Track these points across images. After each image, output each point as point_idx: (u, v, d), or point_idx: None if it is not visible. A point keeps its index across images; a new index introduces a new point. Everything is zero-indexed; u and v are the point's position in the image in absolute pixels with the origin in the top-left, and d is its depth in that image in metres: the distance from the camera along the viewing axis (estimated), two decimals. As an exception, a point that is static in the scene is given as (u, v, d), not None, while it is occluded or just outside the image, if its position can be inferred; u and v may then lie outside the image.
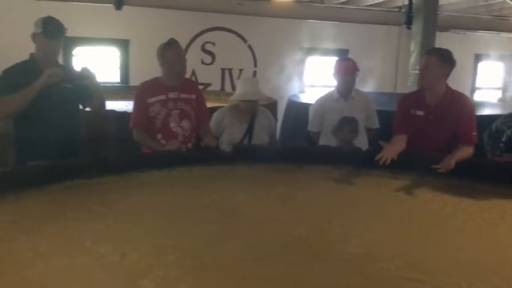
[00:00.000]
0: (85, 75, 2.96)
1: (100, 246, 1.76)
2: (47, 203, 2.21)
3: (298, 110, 5.50)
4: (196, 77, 7.97)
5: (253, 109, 3.62)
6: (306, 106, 4.47)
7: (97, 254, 1.69)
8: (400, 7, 8.73)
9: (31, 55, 3.02)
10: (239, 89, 3.71)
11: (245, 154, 3.03)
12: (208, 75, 8.42)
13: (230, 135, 3.59)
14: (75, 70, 3.04)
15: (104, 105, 3.24)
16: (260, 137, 3.61)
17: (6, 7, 7.07)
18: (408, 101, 3.21)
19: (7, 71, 2.95)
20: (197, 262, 1.66)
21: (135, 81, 7.77)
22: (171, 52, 3.16)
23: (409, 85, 7.51)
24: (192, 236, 1.89)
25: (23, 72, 2.88)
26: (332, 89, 3.94)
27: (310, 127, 3.93)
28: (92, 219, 2.04)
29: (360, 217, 2.20)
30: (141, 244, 1.78)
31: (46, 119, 2.87)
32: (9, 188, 2.23)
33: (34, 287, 1.45)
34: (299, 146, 3.43)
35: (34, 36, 2.91)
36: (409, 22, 7.90)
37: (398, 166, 2.77)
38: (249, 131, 3.60)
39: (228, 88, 8.58)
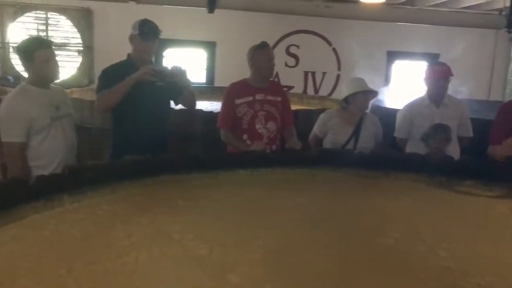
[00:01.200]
0: (177, 72, 3.09)
1: (188, 239, 1.82)
2: (139, 195, 2.32)
3: (383, 116, 5.35)
4: (279, 80, 8.03)
5: (363, 109, 3.57)
6: (391, 111, 4.34)
7: (186, 247, 1.74)
8: (500, 10, 8.17)
9: (128, 55, 3.21)
10: (348, 86, 3.64)
11: (330, 158, 2.99)
12: (291, 78, 8.46)
13: (335, 136, 3.57)
14: (167, 68, 3.20)
15: (194, 102, 3.37)
16: (366, 142, 3.54)
17: (105, 13, 7.59)
18: None
19: (106, 70, 3.16)
20: (284, 261, 1.66)
21: (220, 82, 8.01)
22: (261, 55, 3.21)
23: (508, 93, 7.02)
24: (278, 236, 1.90)
25: (121, 71, 3.08)
26: (422, 94, 3.79)
27: (397, 133, 3.81)
28: (180, 213, 2.11)
29: (450, 228, 2.09)
30: (227, 240, 1.82)
31: (141, 116, 3.04)
32: (105, 180, 2.37)
33: (129, 275, 1.52)
34: (386, 153, 3.32)
35: (132, 38, 3.09)
36: (510, 26, 7.38)
37: (492, 177, 2.60)
38: (356, 134, 3.54)
39: (310, 91, 8.55)
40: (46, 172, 2.59)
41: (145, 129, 3.04)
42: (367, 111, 3.78)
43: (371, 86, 3.68)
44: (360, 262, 1.71)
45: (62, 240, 1.77)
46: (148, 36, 3.04)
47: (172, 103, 3.39)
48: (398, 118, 3.83)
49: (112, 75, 3.08)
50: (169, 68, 3.12)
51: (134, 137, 3.03)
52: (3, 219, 1.85)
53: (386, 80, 8.78)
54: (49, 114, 2.94)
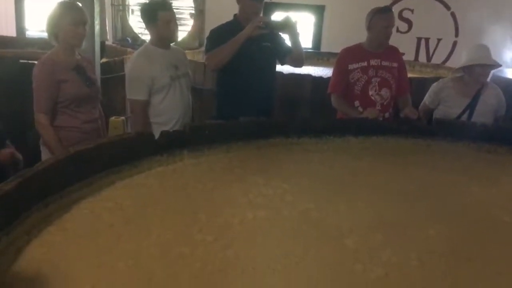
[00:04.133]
0: (287, 24, 3.06)
1: (302, 202, 1.84)
2: (253, 156, 2.38)
3: (505, 88, 4.92)
4: (388, 46, 7.65)
5: (482, 79, 3.25)
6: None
7: (300, 210, 1.76)
8: None
9: (235, 16, 3.24)
10: (469, 55, 3.29)
11: (447, 129, 2.82)
12: (402, 44, 7.96)
13: (448, 108, 3.32)
14: (276, 20, 3.16)
15: (303, 62, 3.33)
16: (483, 116, 3.19)
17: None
18: None
19: (214, 30, 3.24)
20: (400, 231, 1.63)
21: (326, 48, 7.84)
22: (381, 20, 3.07)
23: None
24: (392, 207, 1.85)
25: (228, 31, 3.13)
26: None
27: (525, 106, 3.47)
28: (293, 176, 2.13)
29: None
30: (341, 206, 1.81)
31: (246, 76, 3.08)
32: (221, 140, 2.45)
33: (249, 230, 1.58)
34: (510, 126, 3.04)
35: None
36: None
37: None
38: (471, 107, 3.26)
39: (422, 58, 8.07)
40: (165, 128, 2.74)
41: (252, 90, 3.08)
42: (488, 80, 3.44)
43: (495, 55, 3.35)
44: (477, 236, 1.62)
45: (186, 190, 1.89)
46: None
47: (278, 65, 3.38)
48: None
49: (220, 34, 3.14)
50: (280, 20, 3.10)
51: (240, 98, 3.08)
52: (133, 169, 2.00)
53: (509, 49, 7.98)
54: (169, 73, 3.09)
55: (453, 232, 1.65)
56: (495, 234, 1.66)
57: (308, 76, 4.45)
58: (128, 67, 3.01)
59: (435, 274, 1.35)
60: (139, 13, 3.34)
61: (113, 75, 4.52)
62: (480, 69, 3.18)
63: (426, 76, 5.62)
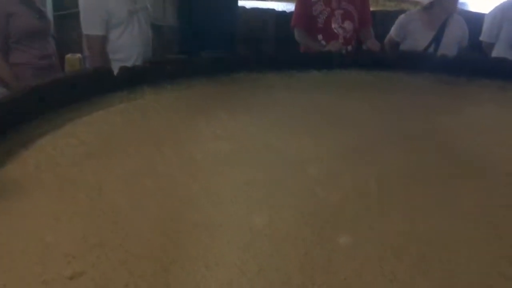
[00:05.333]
0: None
1: (265, 134, 1.86)
2: (216, 92, 2.36)
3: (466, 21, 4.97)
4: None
5: (450, 11, 3.25)
6: (474, 15, 4.00)
7: (266, 142, 1.78)
8: None
9: None
10: None
11: (409, 61, 2.85)
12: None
13: (414, 41, 3.32)
14: None
15: None
16: (449, 48, 3.23)
17: None
18: None
19: None
20: (360, 158, 1.67)
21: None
22: None
23: None
24: (354, 136, 1.89)
25: None
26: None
27: (484, 37, 3.53)
28: (258, 111, 2.14)
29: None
30: (304, 138, 1.84)
31: (207, 11, 2.99)
32: (183, 75, 2.40)
33: (212, 162, 1.59)
34: (470, 57, 3.10)
35: None
36: None
37: None
38: (437, 39, 3.27)
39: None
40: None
41: (213, 24, 3.00)
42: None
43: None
44: (437, 163, 1.69)
45: (149, 125, 1.87)
46: None
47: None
48: (487, 20, 3.52)
49: None
50: None
51: (202, 33, 3.01)
52: (93, 106, 1.96)
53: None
54: (127, 6, 2.95)
55: (412, 158, 1.71)
56: (453, 160, 1.72)
57: (272, 11, 4.36)
58: (81, 1, 2.86)
59: (393, 197, 1.41)
60: None
61: (68, 11, 4.30)
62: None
63: (389, 9, 5.59)
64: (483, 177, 1.58)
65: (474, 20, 3.78)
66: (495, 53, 3.41)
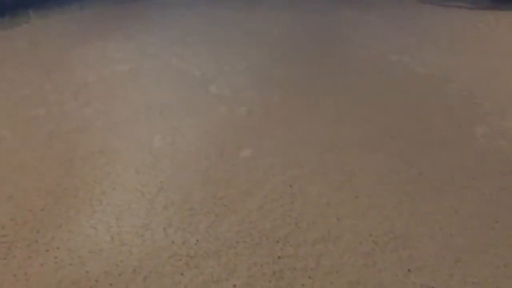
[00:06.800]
0: None
1: (167, 54, 1.76)
2: (109, 12, 2.18)
3: None
4: None
5: None
6: None
7: (166, 62, 1.69)
8: None
9: None
10: None
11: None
12: None
13: None
14: None
15: None
16: None
17: None
18: None
19: None
20: (265, 73, 1.65)
21: None
22: None
23: None
24: (258, 50, 1.85)
25: None
26: None
27: None
28: (155, 30, 2.02)
29: (433, 41, 2.05)
30: (205, 55, 1.77)
31: None
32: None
33: (110, 84, 1.49)
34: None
35: None
36: None
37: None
38: None
39: None
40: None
41: None
42: None
43: None
44: (334, 68, 1.71)
45: (36, 51, 1.70)
46: None
47: None
48: None
49: None
50: None
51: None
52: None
53: None
54: None
55: (317, 69, 1.71)
56: (356, 66, 1.75)
57: None
58: None
59: (296, 108, 1.41)
60: None
61: None
62: None
63: None
64: (384, 81, 1.63)
65: None
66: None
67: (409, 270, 0.82)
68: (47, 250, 0.84)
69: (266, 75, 1.64)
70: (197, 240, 0.87)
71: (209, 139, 1.22)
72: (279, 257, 0.84)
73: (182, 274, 0.80)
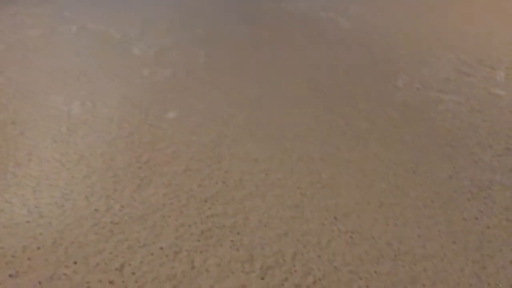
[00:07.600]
0: None
1: (83, 17, 1.66)
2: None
3: None
4: None
5: None
6: None
7: (80, 25, 1.60)
8: None
9: None
10: None
11: None
12: None
13: None
14: None
15: None
16: None
17: None
18: None
19: None
20: (191, 35, 1.60)
21: None
22: None
23: None
24: (185, 13, 1.79)
25: None
26: None
27: None
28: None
29: None
30: (126, 14, 1.69)
31: None
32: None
33: (21, 51, 1.39)
34: None
35: None
36: None
37: None
38: None
39: None
40: None
41: None
42: None
43: None
44: (261, 26, 1.69)
45: None
46: None
47: None
48: None
49: None
50: None
51: None
52: None
53: None
54: None
55: (244, 28, 1.68)
56: (285, 23, 1.74)
57: None
58: None
59: (221, 67, 1.39)
60: None
61: None
62: None
63: None
64: (314, 35, 1.63)
65: None
66: None
67: (335, 218, 0.84)
68: (-44, 230, 0.78)
69: (190, 35, 1.59)
70: (122, 206, 0.84)
71: (132, 103, 1.17)
72: (207, 217, 0.83)
73: (106, 241, 0.77)
